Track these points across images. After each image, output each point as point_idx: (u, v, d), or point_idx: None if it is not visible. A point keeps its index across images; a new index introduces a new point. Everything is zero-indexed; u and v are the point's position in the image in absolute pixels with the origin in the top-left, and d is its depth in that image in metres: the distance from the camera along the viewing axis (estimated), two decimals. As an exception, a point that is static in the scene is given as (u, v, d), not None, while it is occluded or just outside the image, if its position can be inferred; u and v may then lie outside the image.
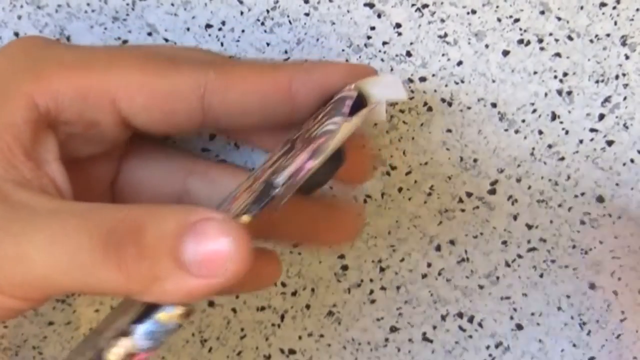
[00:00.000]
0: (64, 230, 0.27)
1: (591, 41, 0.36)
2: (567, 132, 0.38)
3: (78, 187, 0.31)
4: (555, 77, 0.36)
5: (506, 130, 0.37)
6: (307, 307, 0.42)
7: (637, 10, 0.35)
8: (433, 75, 0.36)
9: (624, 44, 0.36)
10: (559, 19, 0.35)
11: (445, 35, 0.35)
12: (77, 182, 0.31)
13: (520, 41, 0.36)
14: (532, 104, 0.37)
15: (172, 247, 0.26)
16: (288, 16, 0.35)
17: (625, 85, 0.36)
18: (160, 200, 0.35)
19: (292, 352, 0.43)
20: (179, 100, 0.31)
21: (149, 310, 0.27)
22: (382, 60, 0.36)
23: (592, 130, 0.38)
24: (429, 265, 0.41)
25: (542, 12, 0.35)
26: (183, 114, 0.31)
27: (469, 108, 0.37)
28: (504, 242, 0.40)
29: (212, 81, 0.31)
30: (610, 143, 0.38)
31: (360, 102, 0.30)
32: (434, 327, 0.42)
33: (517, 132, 0.37)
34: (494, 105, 0.37)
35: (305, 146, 0.29)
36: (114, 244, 0.26)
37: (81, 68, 0.30)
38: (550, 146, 0.38)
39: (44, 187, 0.29)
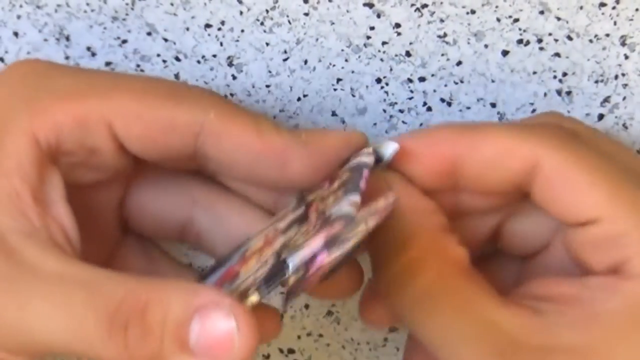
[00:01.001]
0: (68, 301, 0.26)
1: (590, 41, 0.36)
2: (566, 132, 0.38)
3: (84, 213, 0.31)
4: (555, 77, 0.36)
5: (505, 130, 0.37)
6: (306, 306, 0.42)
7: (637, 10, 0.35)
8: (432, 75, 0.36)
9: (623, 44, 0.36)
10: (559, 19, 0.35)
11: (445, 35, 0.35)
12: (82, 208, 0.31)
13: (520, 41, 0.36)
14: (532, 103, 0.37)
15: (177, 331, 0.26)
16: (287, 16, 0.35)
17: (625, 85, 0.36)
18: (165, 227, 0.35)
19: (291, 351, 0.43)
20: (173, 135, 0.30)
21: None
22: (382, 60, 0.36)
23: (592, 130, 0.38)
24: (428, 265, 0.41)
25: (542, 12, 0.35)
26: (175, 147, 0.31)
27: (468, 108, 0.37)
28: (503, 242, 0.40)
29: (210, 123, 0.30)
30: (609, 143, 0.38)
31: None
32: (433, 327, 0.42)
33: (516, 132, 0.38)
34: (493, 105, 0.37)
35: (320, 225, 0.28)
36: (119, 323, 0.26)
37: (79, 96, 0.30)
38: (549, 146, 0.38)
39: (52, 235, 0.28)
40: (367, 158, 0.31)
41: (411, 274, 0.30)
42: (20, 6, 0.34)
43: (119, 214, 0.34)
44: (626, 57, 0.36)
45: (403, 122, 0.37)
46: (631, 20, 0.35)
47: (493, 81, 0.36)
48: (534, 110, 0.37)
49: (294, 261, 0.27)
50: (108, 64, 0.36)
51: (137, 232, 0.35)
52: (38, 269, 0.27)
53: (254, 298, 0.27)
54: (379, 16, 0.35)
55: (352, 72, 0.36)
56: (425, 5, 0.35)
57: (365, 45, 0.36)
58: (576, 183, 0.30)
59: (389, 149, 0.32)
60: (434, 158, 0.31)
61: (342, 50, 0.36)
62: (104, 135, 0.30)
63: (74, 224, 0.30)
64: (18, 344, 0.27)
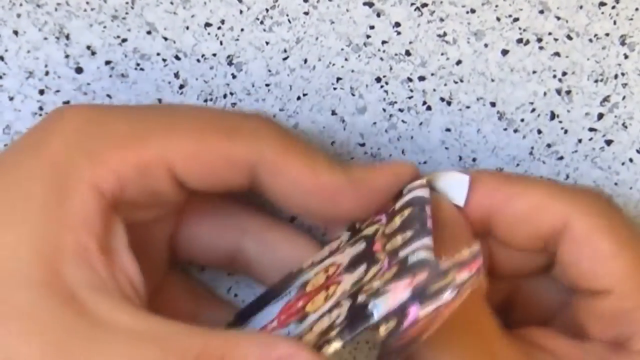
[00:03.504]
0: (144, 359, 0.26)
1: (590, 40, 0.36)
2: (566, 132, 0.38)
3: (139, 249, 0.30)
4: (555, 76, 0.36)
5: (505, 129, 0.37)
6: (306, 306, 0.42)
7: (636, 9, 0.35)
8: (432, 74, 0.36)
9: (623, 43, 0.36)
10: (558, 18, 0.35)
11: (445, 34, 0.35)
12: (138, 244, 0.31)
13: (520, 40, 0.36)
14: (531, 103, 0.37)
15: None
16: (287, 15, 0.35)
17: (625, 85, 0.36)
18: (215, 256, 0.34)
19: (290, 351, 0.43)
20: (232, 172, 0.31)
21: None
22: (381, 59, 0.36)
23: (591, 129, 0.38)
24: (428, 264, 0.41)
25: (542, 12, 0.35)
26: (233, 182, 0.31)
27: (468, 107, 0.37)
28: (503, 242, 0.40)
29: (264, 159, 0.31)
30: (609, 142, 0.38)
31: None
32: (433, 327, 0.42)
33: (516, 131, 0.37)
34: (493, 104, 0.37)
35: (397, 270, 0.27)
36: None
37: (138, 142, 0.30)
38: (549, 145, 0.38)
39: (120, 286, 0.28)
40: (423, 192, 0.31)
41: None
42: (20, 5, 0.34)
43: (169, 246, 0.34)
44: (626, 56, 0.36)
45: (403, 121, 0.37)
46: (631, 19, 0.35)
47: (493, 80, 0.36)
48: (533, 110, 0.37)
49: (378, 308, 0.26)
50: (108, 62, 0.36)
51: (186, 262, 0.36)
52: (111, 325, 0.26)
53: (337, 344, 0.26)
54: (378, 15, 0.35)
55: (352, 71, 0.36)
56: (425, 5, 0.35)
57: (365, 44, 0.36)
58: (599, 251, 0.30)
59: (459, 184, 0.32)
60: (472, 205, 0.32)
61: (342, 49, 0.36)
62: (164, 178, 0.30)
63: (139, 273, 0.29)
64: None
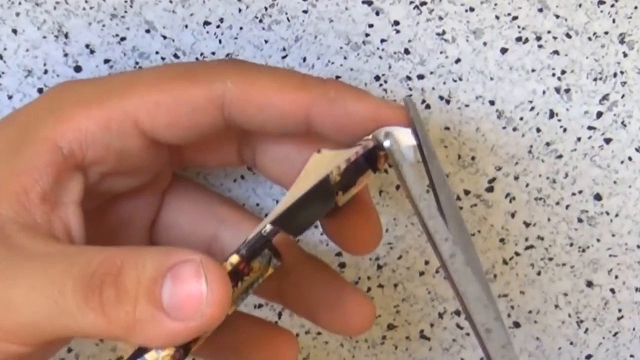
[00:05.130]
0: (46, 275, 0.27)
1: (589, 39, 0.36)
2: (565, 130, 0.38)
3: (117, 229, 0.32)
4: (554, 74, 0.36)
5: (504, 127, 0.37)
6: (305, 304, 0.42)
7: (635, 8, 0.35)
8: (431, 72, 0.36)
9: (622, 41, 0.36)
10: (557, 16, 0.35)
11: (444, 32, 0.35)
12: (116, 224, 0.32)
13: (519, 39, 0.36)
14: (530, 101, 0.37)
15: (150, 290, 0.26)
16: (286, 13, 0.35)
17: (624, 83, 0.36)
18: (192, 246, 0.35)
19: (289, 349, 0.43)
20: (198, 113, 0.30)
21: (139, 349, 0.27)
22: (380, 57, 0.36)
23: (590, 128, 0.38)
24: (427, 262, 0.41)
25: (541, 10, 0.35)
26: (205, 125, 0.31)
27: (467, 106, 0.37)
28: (502, 240, 0.40)
29: (229, 91, 0.30)
30: (608, 141, 0.38)
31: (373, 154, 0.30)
32: (432, 325, 0.42)
33: (515, 129, 0.38)
34: (492, 102, 0.37)
35: None
36: (94, 286, 0.26)
37: (99, 100, 0.30)
38: (548, 144, 0.38)
39: (53, 231, 0.29)
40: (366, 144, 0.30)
41: None
42: (19, 3, 0.34)
43: (149, 232, 0.35)
44: (625, 54, 0.36)
45: (402, 119, 0.37)
46: (630, 18, 0.35)
47: (492, 79, 0.36)
48: (532, 108, 0.37)
49: (267, 223, 0.28)
50: (107, 61, 0.36)
51: None
52: (27, 250, 0.28)
53: (234, 258, 0.27)
54: (377, 14, 0.35)
55: (351, 69, 0.36)
56: (424, 3, 0.35)
57: (364, 42, 0.36)
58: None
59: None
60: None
61: (341, 47, 0.36)
62: (130, 133, 0.30)
63: (80, 227, 0.30)
64: (8, 329, 0.27)
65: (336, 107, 0.30)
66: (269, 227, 0.28)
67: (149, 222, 0.35)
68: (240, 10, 0.35)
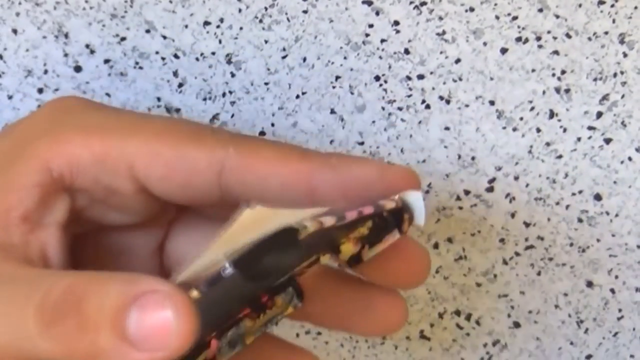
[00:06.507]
0: (10, 300, 0.26)
1: (589, 39, 0.36)
2: (565, 130, 0.38)
3: (120, 252, 0.32)
4: (554, 74, 0.36)
5: (504, 128, 0.37)
6: (305, 304, 0.42)
7: (635, 8, 0.35)
8: (431, 72, 0.36)
9: (622, 41, 0.36)
10: (557, 16, 0.35)
11: (444, 32, 0.35)
12: (119, 246, 0.32)
13: (519, 39, 0.36)
14: (530, 101, 0.37)
15: (114, 320, 0.25)
16: (286, 13, 0.35)
17: (624, 83, 0.36)
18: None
19: (289, 349, 0.43)
20: (195, 174, 0.30)
21: None
22: (380, 57, 0.36)
23: (590, 128, 0.38)
24: (427, 263, 0.41)
25: (541, 10, 0.35)
26: (199, 187, 0.30)
27: (467, 106, 0.37)
28: (502, 240, 0.40)
29: (231, 159, 0.30)
30: (608, 141, 0.38)
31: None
32: (432, 325, 0.42)
33: (515, 129, 0.38)
34: (492, 102, 0.37)
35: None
36: (56, 314, 0.26)
37: (101, 133, 0.30)
38: (548, 144, 0.38)
39: (28, 252, 0.29)
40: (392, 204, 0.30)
41: None
42: (19, 3, 0.34)
43: (159, 261, 0.34)
44: (625, 55, 0.36)
45: (402, 119, 0.37)
46: (630, 18, 0.35)
47: (492, 79, 0.36)
48: (532, 108, 0.37)
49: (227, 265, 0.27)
50: (107, 61, 0.36)
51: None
52: None
53: (195, 293, 0.26)
54: (377, 14, 0.35)
55: (351, 69, 0.36)
56: (424, 3, 0.35)
57: (364, 42, 0.36)
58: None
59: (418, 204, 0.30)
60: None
61: (341, 47, 0.36)
62: (123, 176, 0.30)
63: (58, 250, 0.30)
64: None
65: (340, 172, 0.30)
66: (229, 269, 0.27)
67: (153, 249, 0.34)
68: (240, 10, 0.35)
